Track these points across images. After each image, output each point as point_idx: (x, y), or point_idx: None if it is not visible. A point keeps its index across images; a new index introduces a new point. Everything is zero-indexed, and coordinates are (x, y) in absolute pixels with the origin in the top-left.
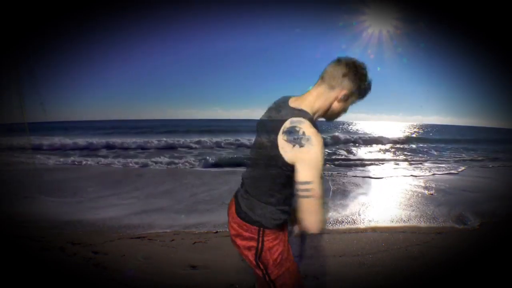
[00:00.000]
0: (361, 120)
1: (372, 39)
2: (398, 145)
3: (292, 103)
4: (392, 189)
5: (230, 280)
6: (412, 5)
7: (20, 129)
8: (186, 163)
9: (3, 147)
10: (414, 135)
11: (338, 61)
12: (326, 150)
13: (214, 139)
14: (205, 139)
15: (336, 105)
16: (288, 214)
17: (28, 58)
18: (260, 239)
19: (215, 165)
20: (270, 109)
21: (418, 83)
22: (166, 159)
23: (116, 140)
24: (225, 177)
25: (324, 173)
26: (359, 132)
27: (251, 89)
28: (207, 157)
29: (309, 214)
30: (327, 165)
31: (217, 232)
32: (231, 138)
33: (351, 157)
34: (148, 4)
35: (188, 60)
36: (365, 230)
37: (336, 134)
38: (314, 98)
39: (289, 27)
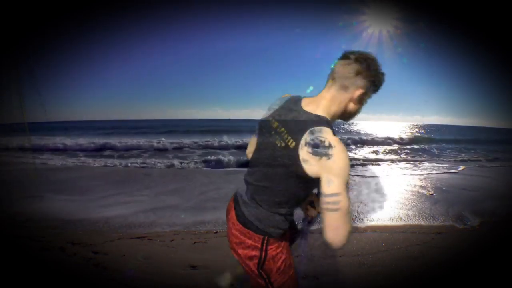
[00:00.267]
0: (361, 120)
1: (372, 39)
2: (398, 145)
3: (307, 106)
4: (392, 189)
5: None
6: (412, 5)
7: (20, 129)
8: (192, 163)
9: (10, 148)
10: (414, 135)
11: (347, 57)
12: None
13: (219, 140)
14: (209, 139)
15: (352, 106)
16: (292, 220)
17: (28, 58)
18: (264, 248)
19: (221, 165)
20: (278, 109)
21: (418, 83)
22: (173, 160)
23: (121, 140)
24: (229, 177)
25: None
26: (359, 132)
27: (251, 89)
28: (210, 157)
29: (335, 229)
30: None
31: (217, 232)
32: (238, 139)
33: (351, 156)
34: (148, 4)
35: (188, 60)
36: (365, 230)
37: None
38: (329, 102)
39: (289, 27)
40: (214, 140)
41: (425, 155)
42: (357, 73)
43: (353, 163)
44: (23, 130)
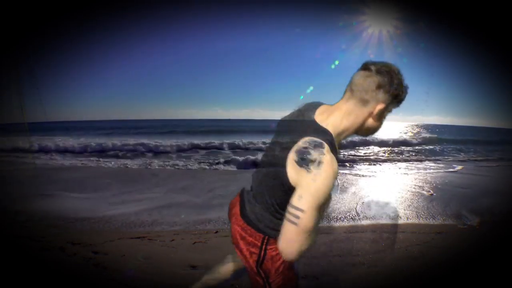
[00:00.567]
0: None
1: (372, 39)
2: (398, 145)
3: (318, 116)
4: (392, 189)
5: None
6: (412, 5)
7: (20, 129)
8: (197, 163)
9: (18, 148)
10: (414, 135)
11: (367, 69)
12: None
13: (223, 140)
14: (211, 140)
15: (371, 122)
16: None
17: (28, 58)
18: (263, 247)
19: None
20: (294, 112)
21: (418, 83)
22: (178, 161)
23: (126, 141)
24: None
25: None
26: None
27: (251, 89)
28: (216, 158)
29: (288, 241)
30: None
31: (217, 232)
32: (241, 140)
33: (350, 157)
34: (148, 4)
35: (188, 60)
36: (365, 230)
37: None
38: (342, 116)
39: (289, 27)
40: (217, 142)
41: (426, 155)
42: (379, 87)
43: (353, 162)
44: (23, 130)
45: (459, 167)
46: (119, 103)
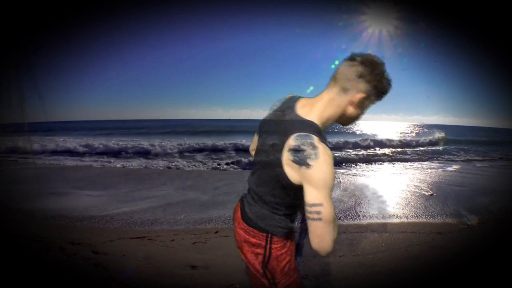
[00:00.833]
0: (361, 120)
1: (372, 39)
2: (398, 145)
3: (300, 109)
4: (392, 189)
5: (230, 280)
6: (412, 5)
7: (20, 129)
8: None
9: (21, 149)
10: (414, 135)
11: (352, 59)
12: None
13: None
14: (214, 140)
15: (351, 110)
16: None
17: (28, 58)
18: (268, 246)
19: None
20: (275, 110)
21: (419, 83)
22: (183, 161)
23: (129, 141)
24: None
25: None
26: (360, 133)
27: (251, 89)
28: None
29: (320, 237)
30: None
31: (217, 232)
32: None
33: (349, 157)
34: (148, 4)
35: (188, 60)
36: (365, 230)
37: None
38: (325, 104)
39: (289, 27)
40: (221, 142)
41: (426, 155)
42: (360, 76)
43: (353, 162)
44: (23, 130)
45: (456, 166)
46: (119, 103)
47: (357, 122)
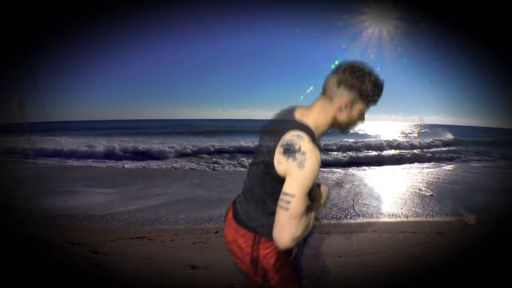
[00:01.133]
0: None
1: (372, 39)
2: (398, 145)
3: (298, 115)
4: (393, 189)
5: (230, 280)
6: (412, 5)
7: (20, 129)
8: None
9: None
10: (415, 135)
11: (335, 67)
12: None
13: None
14: (216, 140)
15: (341, 116)
16: None
17: (28, 58)
18: (255, 246)
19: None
20: (275, 116)
21: (419, 83)
22: (187, 162)
23: (133, 142)
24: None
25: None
26: (359, 133)
27: (251, 89)
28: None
29: (281, 227)
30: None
31: (217, 232)
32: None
33: (347, 158)
34: (148, 4)
35: (188, 60)
36: (365, 230)
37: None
38: (318, 112)
39: (289, 27)
40: (223, 142)
41: (426, 155)
42: (340, 82)
43: (350, 164)
44: (23, 130)
45: (456, 166)
46: (119, 103)
47: (357, 126)
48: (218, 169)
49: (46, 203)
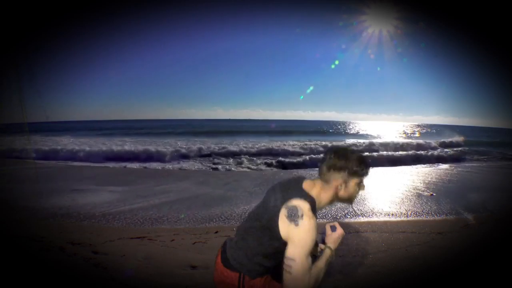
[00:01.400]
0: (361, 120)
1: (372, 39)
2: (398, 145)
3: (305, 186)
4: (393, 189)
5: None
6: (412, 5)
7: (20, 129)
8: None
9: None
10: (416, 135)
11: (324, 155)
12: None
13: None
14: (217, 140)
15: (342, 193)
16: (271, 270)
17: (28, 58)
18: (241, 283)
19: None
20: (286, 181)
21: (419, 83)
22: (192, 162)
23: (135, 143)
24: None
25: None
26: (360, 134)
27: (251, 89)
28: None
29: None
30: None
31: (217, 232)
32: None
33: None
34: (148, 4)
35: (188, 60)
36: (365, 230)
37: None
38: (319, 190)
39: (289, 27)
40: (224, 142)
41: (427, 154)
42: (329, 168)
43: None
44: (23, 130)
45: (456, 167)
46: (119, 103)
47: (357, 196)
48: (220, 169)
49: (51, 202)
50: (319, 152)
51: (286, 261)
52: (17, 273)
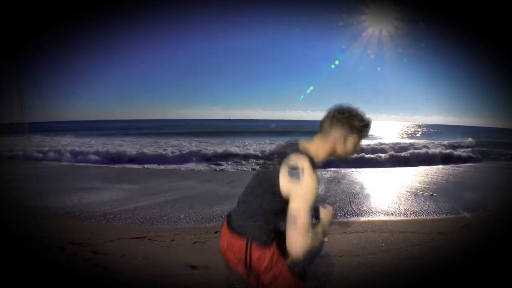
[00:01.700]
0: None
1: (372, 39)
2: (398, 145)
3: (301, 145)
4: (393, 189)
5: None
6: (412, 5)
7: (20, 129)
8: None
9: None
10: (417, 135)
11: (327, 111)
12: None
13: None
14: (218, 140)
15: (340, 148)
16: (277, 232)
17: (28, 58)
18: (248, 251)
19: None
20: (281, 144)
21: (419, 83)
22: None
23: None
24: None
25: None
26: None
27: (251, 89)
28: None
29: (291, 242)
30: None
31: (217, 232)
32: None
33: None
34: (148, 4)
35: (188, 60)
36: (365, 230)
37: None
38: (317, 145)
39: (289, 27)
40: (226, 143)
41: (427, 155)
42: (331, 121)
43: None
44: (23, 130)
45: (456, 167)
46: (119, 103)
47: (353, 154)
48: (223, 169)
49: (52, 202)
50: None
51: (289, 217)
52: (17, 273)
